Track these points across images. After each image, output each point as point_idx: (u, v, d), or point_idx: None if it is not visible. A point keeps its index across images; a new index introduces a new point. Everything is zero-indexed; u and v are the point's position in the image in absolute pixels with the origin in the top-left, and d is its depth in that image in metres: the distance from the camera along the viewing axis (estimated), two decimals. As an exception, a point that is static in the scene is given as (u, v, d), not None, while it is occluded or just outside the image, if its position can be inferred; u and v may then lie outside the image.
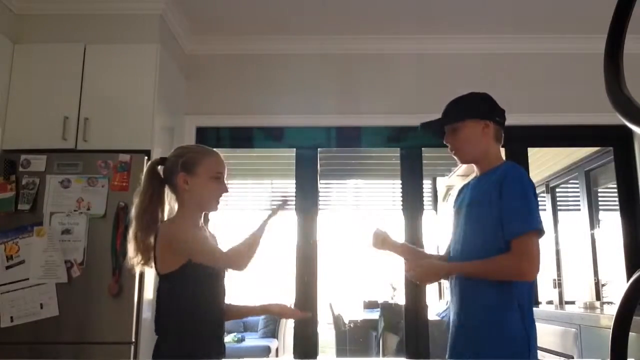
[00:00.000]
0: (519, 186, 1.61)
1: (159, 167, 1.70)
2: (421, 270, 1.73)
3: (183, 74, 3.32)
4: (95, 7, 2.88)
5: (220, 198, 1.69)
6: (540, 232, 1.57)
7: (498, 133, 1.75)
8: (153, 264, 1.61)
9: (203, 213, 1.70)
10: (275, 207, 1.75)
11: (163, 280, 1.58)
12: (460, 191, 1.86)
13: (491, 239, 1.60)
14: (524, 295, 1.59)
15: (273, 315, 1.73)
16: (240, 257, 1.60)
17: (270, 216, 1.70)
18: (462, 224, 1.74)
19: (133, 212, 1.64)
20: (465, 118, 1.73)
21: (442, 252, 1.93)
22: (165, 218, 1.68)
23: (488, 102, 1.77)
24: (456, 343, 1.68)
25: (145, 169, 1.70)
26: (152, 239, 1.60)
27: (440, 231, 4.93)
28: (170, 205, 1.70)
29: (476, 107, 1.75)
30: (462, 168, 4.81)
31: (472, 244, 1.67)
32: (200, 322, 1.57)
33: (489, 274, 1.60)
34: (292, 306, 3.36)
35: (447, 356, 1.71)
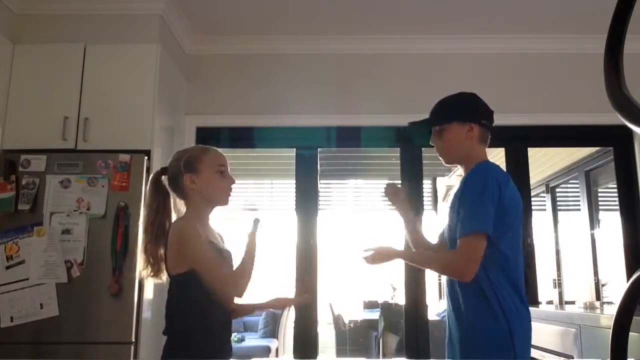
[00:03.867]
0: (473, 187, 1.62)
1: (162, 177, 1.71)
2: (374, 254, 1.81)
3: (183, 74, 3.32)
4: (95, 7, 2.88)
5: (230, 191, 1.70)
6: (485, 233, 1.56)
7: (483, 135, 1.75)
8: (163, 275, 1.62)
9: (212, 210, 1.70)
10: (251, 229, 1.71)
11: (173, 281, 1.59)
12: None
13: None
14: (505, 296, 1.58)
15: (280, 309, 1.77)
16: (242, 282, 1.58)
17: (251, 237, 1.68)
18: (449, 228, 1.75)
19: (141, 224, 1.65)
20: (450, 120, 1.74)
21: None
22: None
23: (474, 104, 1.76)
24: (450, 346, 1.71)
25: (149, 181, 1.71)
26: (162, 250, 1.61)
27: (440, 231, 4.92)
28: (179, 212, 1.70)
29: (462, 109, 1.76)
30: (462, 168, 4.80)
31: (455, 245, 1.69)
32: (208, 323, 1.57)
33: (433, 267, 1.75)
34: (292, 306, 3.36)
35: (446, 356, 1.73)
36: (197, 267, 1.53)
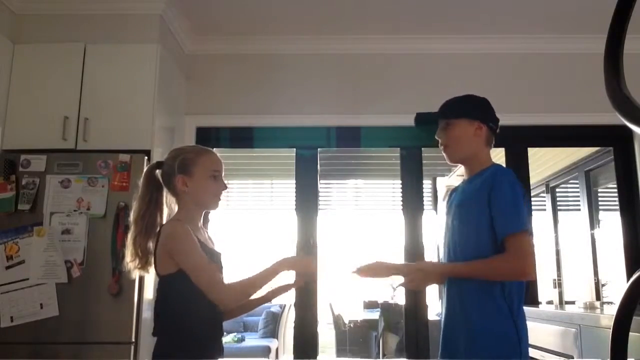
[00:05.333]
0: (508, 188, 1.63)
1: (157, 171, 1.70)
2: (422, 275, 1.73)
3: (183, 74, 3.32)
4: (95, 7, 2.88)
5: (221, 196, 1.69)
6: (529, 233, 1.59)
7: (490, 138, 1.77)
8: (150, 268, 1.61)
9: (203, 212, 1.71)
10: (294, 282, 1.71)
11: (162, 281, 1.58)
12: (451, 193, 1.86)
13: (485, 241, 1.61)
14: (513, 297, 1.59)
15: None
16: (233, 297, 1.58)
17: (279, 267, 1.66)
18: (454, 227, 1.74)
19: (132, 216, 1.64)
20: (460, 116, 1.75)
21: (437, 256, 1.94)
22: (165, 220, 1.68)
23: (485, 106, 1.79)
24: (448, 345, 1.70)
25: (143, 174, 1.70)
26: (151, 243, 1.60)
27: (440, 231, 4.91)
28: (170, 208, 1.70)
29: (473, 107, 1.77)
30: (462, 168, 4.80)
31: (467, 247, 1.67)
32: (198, 324, 1.57)
33: (489, 275, 1.61)
34: (292, 306, 3.36)
35: (439, 356, 1.72)
36: (187, 271, 1.53)
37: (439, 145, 1.80)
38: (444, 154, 1.81)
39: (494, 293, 1.58)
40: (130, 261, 1.61)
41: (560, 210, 4.62)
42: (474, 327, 1.62)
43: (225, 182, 1.71)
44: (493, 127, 1.77)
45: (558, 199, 4.64)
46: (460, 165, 1.85)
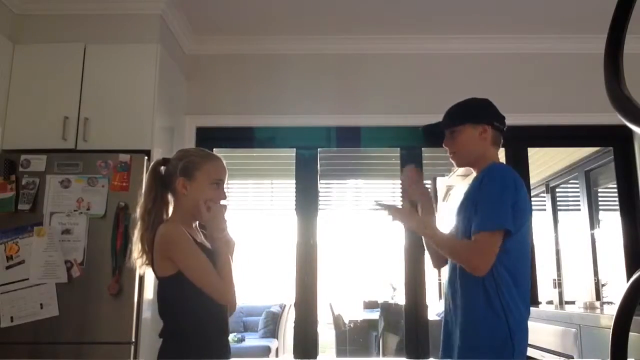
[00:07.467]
0: (494, 184, 1.64)
1: (162, 167, 1.70)
2: (410, 213, 1.80)
3: (183, 74, 3.32)
4: (95, 7, 2.88)
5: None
6: (505, 231, 1.58)
7: (496, 138, 1.78)
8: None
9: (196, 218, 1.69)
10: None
11: (162, 283, 1.58)
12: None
13: None
14: (504, 291, 1.59)
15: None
16: (233, 293, 1.56)
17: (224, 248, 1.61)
18: (456, 225, 1.77)
19: (137, 212, 1.63)
20: (463, 122, 1.76)
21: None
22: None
23: (487, 107, 1.80)
24: (445, 344, 1.73)
25: (148, 170, 1.70)
26: None
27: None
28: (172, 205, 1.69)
29: (475, 111, 1.79)
30: (462, 168, 4.80)
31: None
32: (203, 324, 1.56)
33: (450, 253, 1.68)
34: (292, 306, 3.36)
35: (439, 355, 1.74)
36: (187, 273, 1.52)
37: (448, 152, 1.82)
38: (452, 160, 1.83)
39: (489, 290, 1.59)
40: (137, 257, 1.60)
41: (560, 210, 4.62)
42: (465, 325, 1.63)
43: (226, 183, 1.70)
44: (498, 126, 1.78)
45: (558, 199, 4.64)
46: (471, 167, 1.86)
